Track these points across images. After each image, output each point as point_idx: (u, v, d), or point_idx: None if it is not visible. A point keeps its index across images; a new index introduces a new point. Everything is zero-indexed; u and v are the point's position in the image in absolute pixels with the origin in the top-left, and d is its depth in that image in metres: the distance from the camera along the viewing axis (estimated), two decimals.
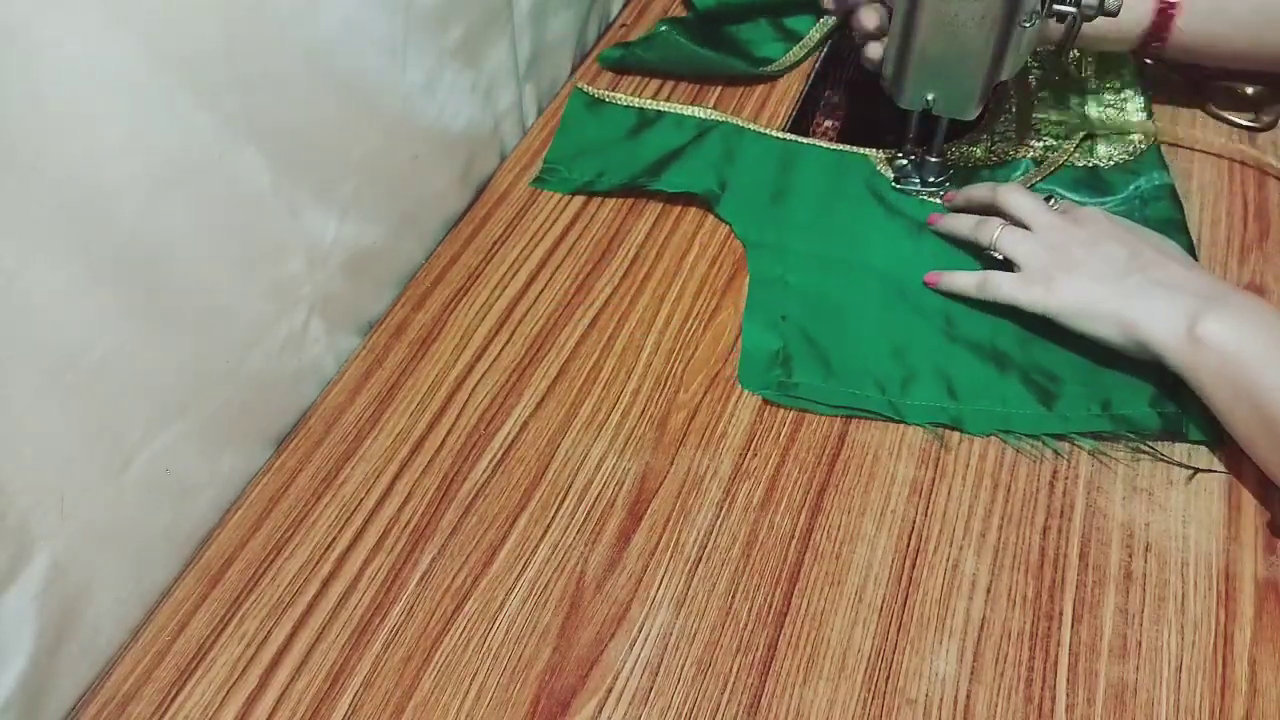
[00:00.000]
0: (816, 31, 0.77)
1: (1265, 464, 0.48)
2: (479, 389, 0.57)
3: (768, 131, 0.70)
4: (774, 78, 0.76)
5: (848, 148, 0.69)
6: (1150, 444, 0.52)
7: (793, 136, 0.70)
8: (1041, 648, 0.46)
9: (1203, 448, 0.52)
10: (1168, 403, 0.53)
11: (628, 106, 0.72)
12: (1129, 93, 0.71)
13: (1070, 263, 0.54)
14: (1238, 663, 0.45)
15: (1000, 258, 0.58)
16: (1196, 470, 0.51)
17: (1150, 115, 0.69)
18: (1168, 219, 0.62)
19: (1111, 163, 0.66)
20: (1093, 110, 0.70)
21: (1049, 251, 0.55)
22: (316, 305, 0.55)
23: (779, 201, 0.66)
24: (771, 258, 0.63)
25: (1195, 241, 0.62)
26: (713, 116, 0.71)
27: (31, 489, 0.40)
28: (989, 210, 0.61)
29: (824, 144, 0.70)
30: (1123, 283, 0.52)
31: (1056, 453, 0.52)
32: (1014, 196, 0.59)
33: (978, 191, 0.62)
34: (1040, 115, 0.69)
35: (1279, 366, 0.47)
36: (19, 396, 0.39)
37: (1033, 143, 0.68)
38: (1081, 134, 0.67)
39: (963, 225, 0.61)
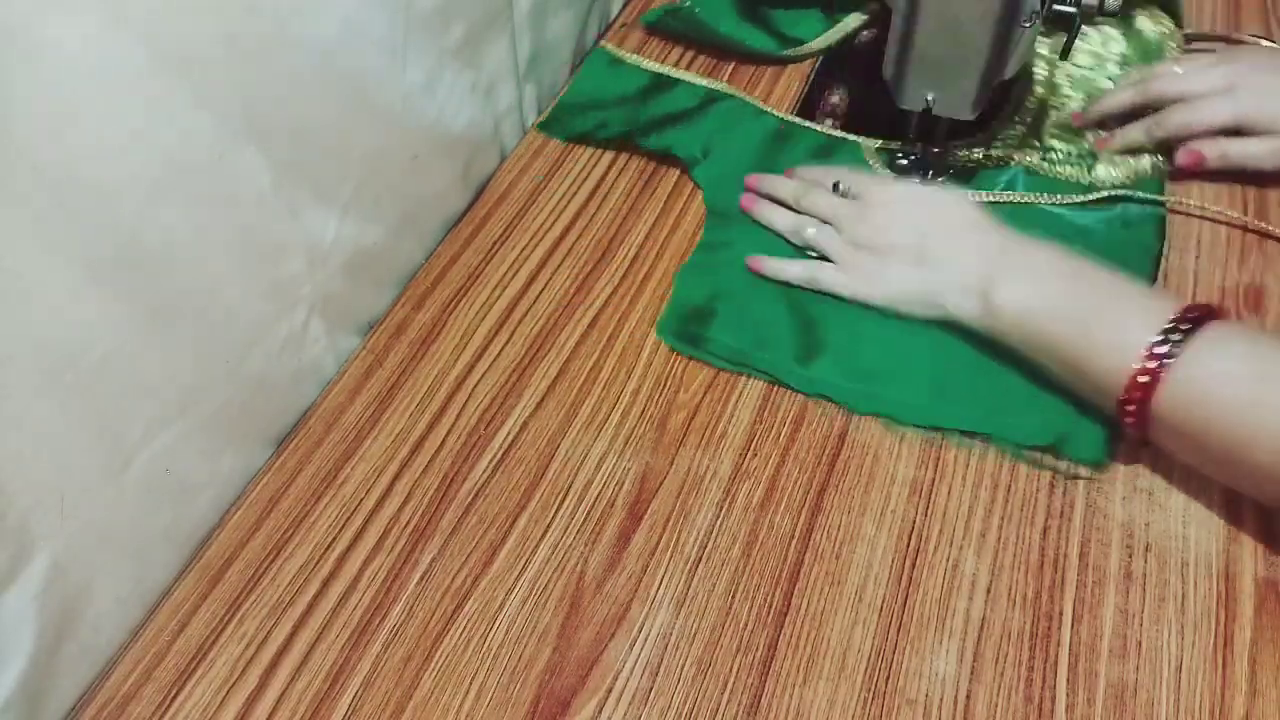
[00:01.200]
0: (854, 20, 0.77)
1: (1091, 400, 0.50)
2: (479, 389, 0.57)
3: (770, 110, 0.71)
4: (796, 60, 0.76)
5: (842, 134, 0.69)
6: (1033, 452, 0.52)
7: (795, 119, 0.70)
8: (1041, 648, 0.46)
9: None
10: (1061, 420, 0.52)
11: (645, 69, 0.74)
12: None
13: (871, 254, 0.57)
14: (1238, 663, 0.45)
15: (816, 255, 0.60)
16: (1062, 475, 0.52)
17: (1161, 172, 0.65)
18: (1143, 246, 0.60)
19: (1108, 190, 0.63)
20: (1101, 169, 0.66)
21: (853, 248, 0.58)
22: (316, 305, 0.55)
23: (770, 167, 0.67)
24: (727, 226, 0.64)
25: (1196, 242, 0.62)
26: (723, 89, 0.72)
27: (31, 489, 0.41)
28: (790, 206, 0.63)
29: (821, 128, 0.70)
30: (919, 266, 0.55)
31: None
32: (812, 198, 0.61)
33: (782, 187, 0.64)
34: (1054, 135, 0.68)
35: (1065, 316, 0.49)
36: (19, 396, 0.39)
37: (1030, 155, 0.66)
38: (1082, 158, 0.66)
39: (780, 222, 0.62)
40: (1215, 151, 0.62)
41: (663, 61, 0.76)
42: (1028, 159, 0.66)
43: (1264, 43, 0.73)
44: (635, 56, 0.75)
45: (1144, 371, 0.46)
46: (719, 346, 0.57)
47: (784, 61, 0.76)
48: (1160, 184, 0.64)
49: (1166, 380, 0.45)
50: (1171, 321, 0.46)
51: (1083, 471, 0.52)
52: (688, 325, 0.59)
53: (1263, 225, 0.62)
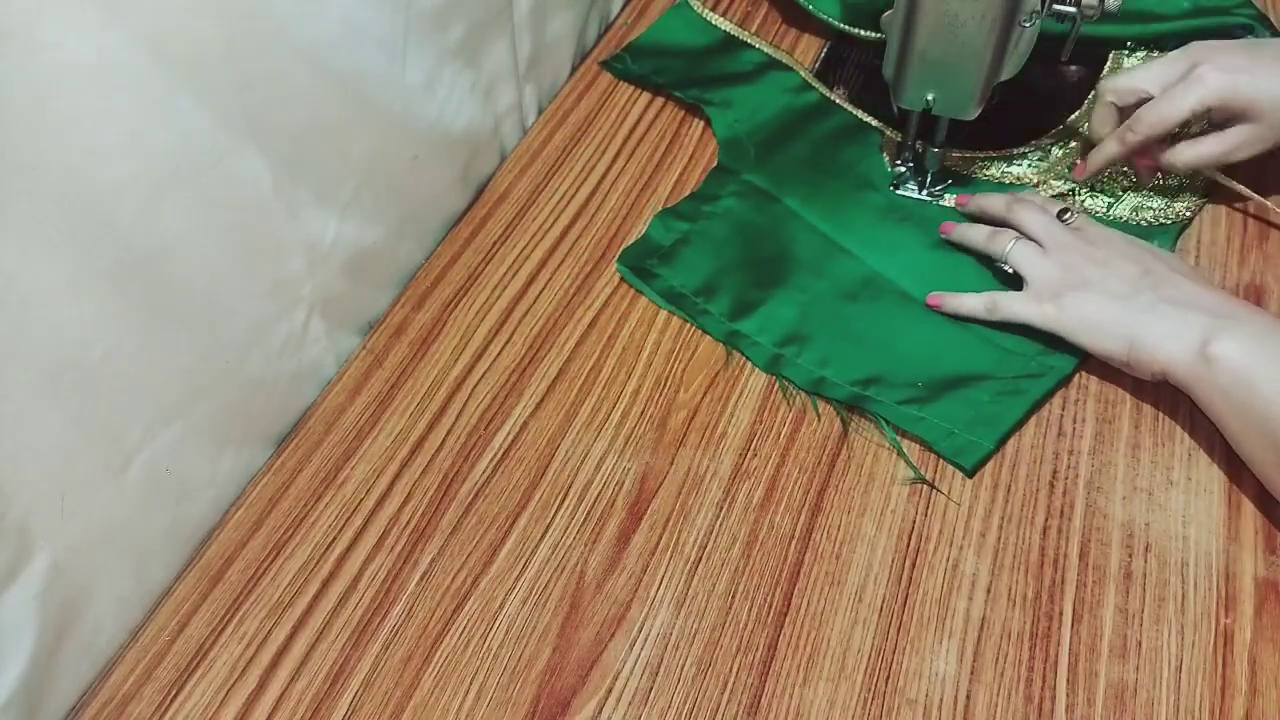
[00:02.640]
0: None
1: (1273, 485, 0.48)
2: (479, 389, 0.57)
3: (818, 87, 0.72)
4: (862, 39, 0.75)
5: (869, 119, 0.70)
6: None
7: (839, 99, 0.71)
8: (1041, 648, 0.46)
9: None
10: (979, 430, 0.53)
11: (718, 28, 0.76)
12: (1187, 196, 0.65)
13: (1082, 281, 0.54)
14: (1238, 663, 0.45)
15: (1010, 271, 0.57)
16: (923, 480, 0.52)
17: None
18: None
19: (1140, 220, 0.62)
20: (1127, 204, 0.64)
21: (1061, 269, 0.55)
22: (316, 305, 0.55)
23: (774, 146, 0.68)
24: (724, 184, 0.66)
25: (1196, 242, 0.62)
26: (783, 58, 0.74)
27: (31, 489, 0.40)
28: (998, 221, 0.60)
29: (853, 109, 0.71)
30: (1134, 301, 0.52)
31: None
32: (1029, 213, 0.58)
33: (992, 202, 0.61)
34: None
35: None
36: (19, 396, 0.39)
37: (1054, 182, 0.65)
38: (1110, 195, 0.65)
39: (976, 236, 0.60)
40: (1166, 160, 0.61)
41: (741, 24, 0.77)
42: (1048, 191, 0.64)
43: None
44: (712, 14, 0.77)
45: None
46: (661, 285, 0.61)
47: (844, 35, 0.75)
48: (1175, 235, 0.61)
49: None
50: None
51: (1083, 472, 0.51)
52: (644, 260, 0.62)
53: (1260, 199, 0.62)
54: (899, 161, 0.66)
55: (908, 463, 0.53)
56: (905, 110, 0.62)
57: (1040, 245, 0.57)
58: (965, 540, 0.49)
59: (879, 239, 0.63)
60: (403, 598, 0.48)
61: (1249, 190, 0.62)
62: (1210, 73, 0.57)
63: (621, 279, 0.62)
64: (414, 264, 0.64)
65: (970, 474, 0.52)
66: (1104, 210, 0.63)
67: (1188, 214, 0.62)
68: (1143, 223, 0.62)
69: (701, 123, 0.72)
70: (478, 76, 0.65)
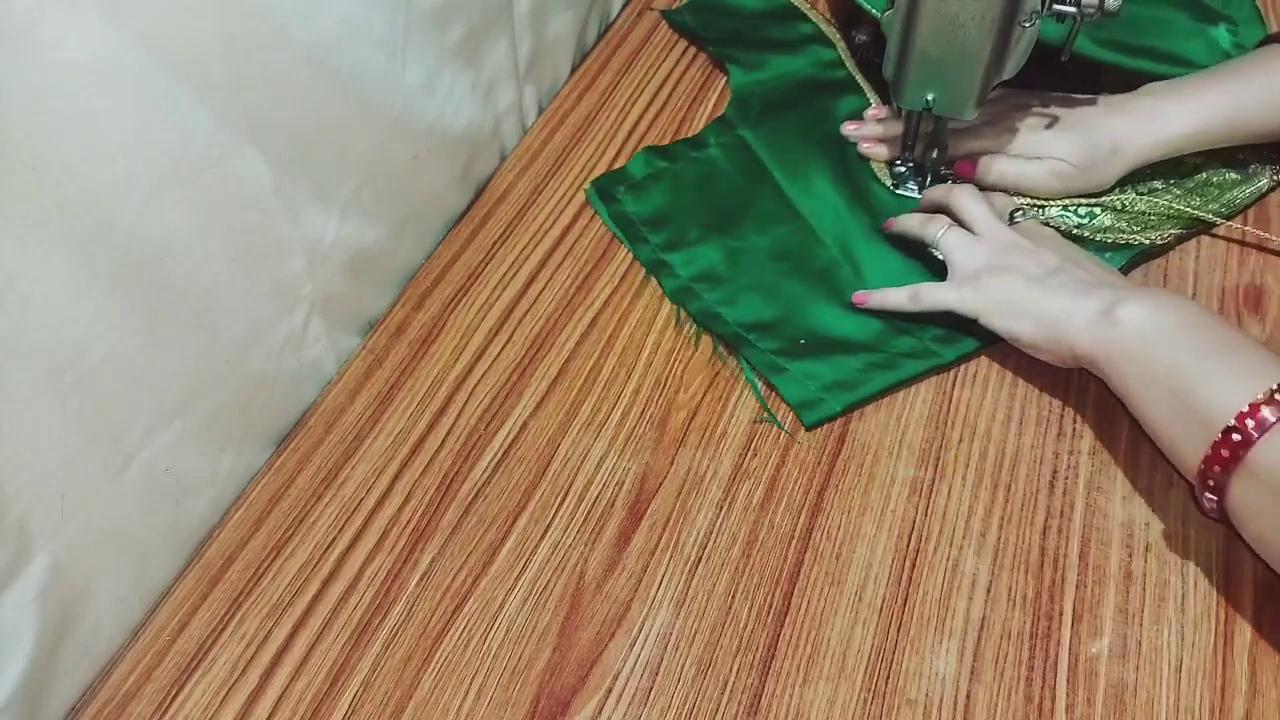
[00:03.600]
0: None
1: (1176, 443, 0.47)
2: (479, 389, 0.57)
3: (849, 68, 0.73)
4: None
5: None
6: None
7: (863, 82, 0.72)
8: (1041, 648, 0.46)
9: None
10: (834, 391, 0.55)
11: None
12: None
13: (1002, 265, 0.54)
14: (1238, 663, 0.45)
15: (939, 256, 0.58)
16: (774, 421, 0.54)
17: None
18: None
19: (1107, 238, 0.61)
20: (1099, 223, 0.62)
21: (986, 254, 0.55)
22: (316, 305, 0.55)
23: (780, 110, 0.70)
24: (721, 132, 0.69)
25: (1196, 242, 0.61)
26: (828, 32, 0.76)
27: (31, 489, 0.40)
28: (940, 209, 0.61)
29: (871, 93, 0.72)
30: (1046, 283, 0.52)
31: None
32: (964, 199, 0.58)
33: (934, 191, 0.62)
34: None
35: (1192, 340, 0.47)
36: (19, 396, 0.39)
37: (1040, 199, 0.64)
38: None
39: (911, 222, 0.60)
40: (994, 170, 0.61)
41: None
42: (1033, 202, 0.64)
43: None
44: None
45: (1253, 414, 0.42)
46: (617, 208, 0.64)
47: None
48: (1130, 257, 0.60)
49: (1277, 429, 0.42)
50: None
51: (1083, 472, 0.51)
52: (613, 186, 0.65)
53: (1259, 233, 0.62)
54: (899, 161, 0.66)
55: (762, 404, 0.55)
56: (905, 110, 0.62)
57: (973, 232, 0.57)
58: (965, 540, 0.49)
59: (846, 221, 0.64)
60: (403, 598, 0.48)
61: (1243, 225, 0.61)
62: (1003, 129, 0.61)
63: (620, 279, 0.62)
64: (414, 264, 0.64)
65: (808, 428, 0.54)
66: (1071, 228, 0.61)
67: (1158, 242, 0.60)
68: (1108, 239, 0.61)
69: (701, 123, 0.72)
70: (478, 76, 0.65)
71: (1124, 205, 0.62)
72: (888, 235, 0.62)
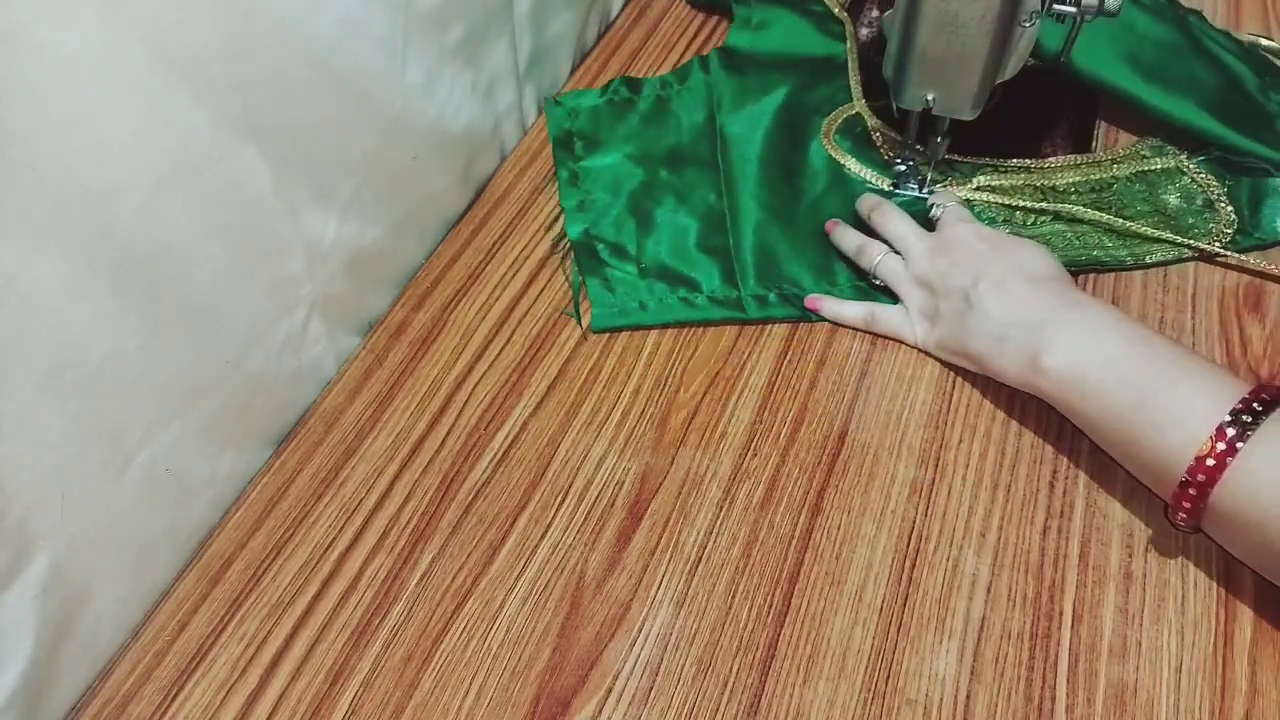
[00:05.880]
0: None
1: (1142, 479, 0.48)
2: (479, 389, 0.57)
3: (849, 46, 0.75)
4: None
5: (862, 104, 0.72)
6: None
7: (852, 72, 0.74)
8: (1041, 648, 0.46)
9: None
10: (622, 317, 0.60)
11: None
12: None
13: (931, 308, 0.56)
14: (1238, 663, 0.45)
15: (879, 283, 0.59)
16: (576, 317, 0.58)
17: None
18: None
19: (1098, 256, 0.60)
20: (1171, 199, 0.62)
21: (919, 289, 0.56)
22: (316, 305, 0.55)
23: (763, 73, 0.73)
24: (694, 74, 0.73)
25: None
26: (837, 13, 0.77)
27: (31, 489, 0.40)
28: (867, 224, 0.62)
29: (856, 83, 0.73)
30: (964, 324, 0.53)
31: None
32: (888, 221, 0.59)
33: (861, 203, 0.63)
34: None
35: (1121, 387, 0.46)
36: (19, 396, 0.39)
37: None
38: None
39: (848, 244, 0.61)
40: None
41: None
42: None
43: (1263, 41, 0.73)
44: None
45: (1211, 454, 0.42)
46: (560, 114, 0.71)
47: None
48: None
49: (1234, 466, 0.42)
50: (1243, 402, 0.43)
51: (1083, 472, 0.51)
52: (574, 100, 0.72)
53: (1265, 265, 0.61)
54: (898, 160, 0.66)
55: (576, 306, 0.60)
56: (905, 110, 0.62)
57: (903, 256, 0.58)
58: (965, 540, 0.49)
59: (761, 193, 0.66)
60: (403, 598, 0.48)
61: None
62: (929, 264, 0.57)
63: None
64: (414, 264, 0.64)
65: (586, 331, 0.59)
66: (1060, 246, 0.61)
67: (1128, 260, 0.60)
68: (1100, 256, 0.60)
69: None
70: (478, 76, 0.65)
71: (1075, 216, 0.62)
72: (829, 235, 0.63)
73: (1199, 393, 0.44)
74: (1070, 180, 0.65)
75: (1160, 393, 0.45)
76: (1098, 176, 0.65)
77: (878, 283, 0.59)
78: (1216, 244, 0.60)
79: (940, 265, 0.55)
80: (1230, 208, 0.62)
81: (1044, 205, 0.63)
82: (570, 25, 0.75)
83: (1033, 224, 0.63)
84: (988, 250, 0.54)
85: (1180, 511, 0.45)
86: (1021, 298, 0.51)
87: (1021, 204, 0.63)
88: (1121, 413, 0.46)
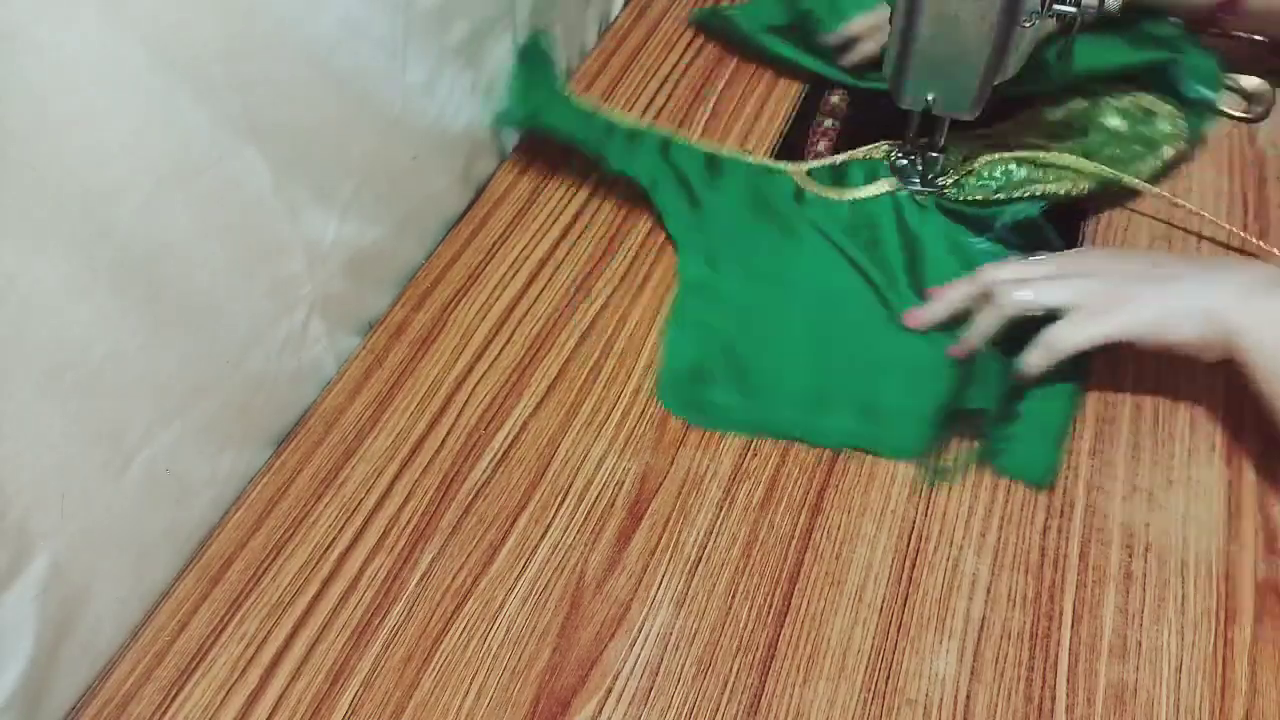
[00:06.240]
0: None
1: None
2: (479, 389, 0.57)
3: (691, 142, 0.68)
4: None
5: (770, 162, 0.68)
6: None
7: (715, 147, 0.68)
8: (1041, 648, 0.46)
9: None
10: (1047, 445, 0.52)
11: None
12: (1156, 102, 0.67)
13: (1115, 282, 0.51)
14: (1238, 663, 0.45)
15: (1041, 313, 0.52)
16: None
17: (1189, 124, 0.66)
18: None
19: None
20: (1112, 120, 0.66)
21: (1087, 281, 0.52)
22: (316, 305, 0.55)
23: (703, 205, 0.64)
24: (702, 261, 0.62)
25: (1196, 242, 0.62)
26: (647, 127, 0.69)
27: (31, 489, 0.40)
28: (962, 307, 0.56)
29: (748, 157, 0.68)
30: (1180, 282, 0.50)
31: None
32: (999, 271, 0.54)
33: (955, 291, 0.56)
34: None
35: None
36: (19, 396, 0.39)
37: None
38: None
39: (979, 326, 0.54)
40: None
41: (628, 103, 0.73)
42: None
43: (1259, 36, 0.73)
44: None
45: None
46: (722, 412, 0.55)
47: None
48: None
49: None
50: None
51: (1083, 472, 0.51)
52: (689, 388, 0.56)
53: (1255, 240, 0.62)
54: (901, 155, 0.66)
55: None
56: (905, 110, 0.62)
57: (1037, 280, 0.53)
58: (965, 540, 0.49)
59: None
60: (403, 598, 0.48)
61: (1195, 206, 0.63)
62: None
63: (620, 279, 0.62)
64: (414, 264, 0.64)
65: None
66: (992, 193, 0.62)
67: (1074, 193, 0.62)
68: (1026, 192, 0.62)
69: (700, 124, 0.72)
70: (478, 76, 0.65)
71: (1040, 160, 0.63)
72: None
73: None
74: (1038, 139, 0.66)
75: None
76: (1056, 120, 0.67)
77: (1038, 313, 0.52)
78: (1181, 141, 0.65)
79: (1094, 262, 0.53)
80: (1168, 106, 0.67)
81: (1036, 156, 0.63)
82: (571, 25, 0.75)
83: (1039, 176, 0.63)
84: (1111, 250, 0.56)
85: None
86: (1206, 266, 0.53)
87: (1019, 156, 0.64)
88: None
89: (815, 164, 0.68)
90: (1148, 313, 0.50)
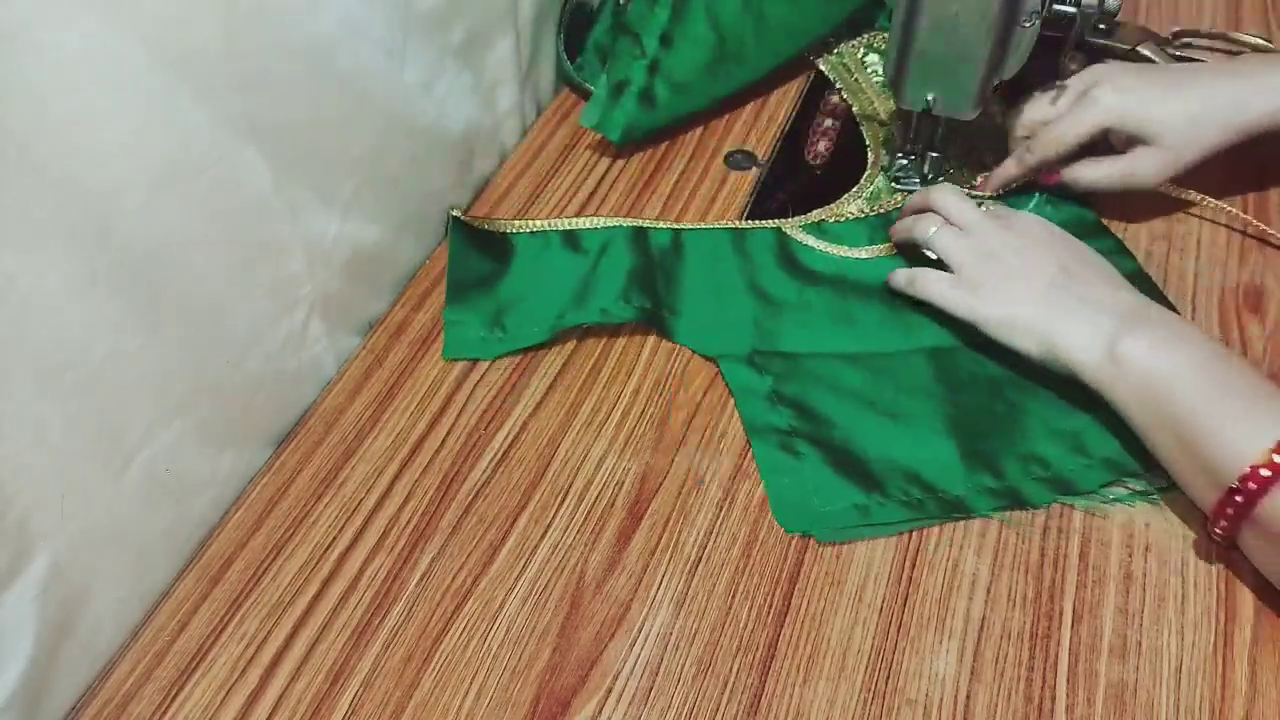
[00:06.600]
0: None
1: (1186, 485, 0.48)
2: (479, 389, 0.57)
3: (660, 224, 0.64)
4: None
5: (750, 224, 0.64)
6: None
7: (686, 225, 0.64)
8: (1041, 648, 0.46)
9: None
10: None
11: (517, 233, 0.63)
12: None
13: (999, 271, 0.54)
14: (1238, 663, 0.45)
15: (934, 256, 0.58)
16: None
17: None
18: (1078, 219, 0.62)
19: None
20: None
21: (980, 257, 0.55)
22: (316, 305, 0.55)
23: (713, 299, 0.60)
24: (745, 369, 0.56)
25: (1197, 241, 0.62)
26: (607, 224, 0.63)
27: (31, 489, 0.40)
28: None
29: (718, 225, 0.64)
30: (1047, 298, 0.52)
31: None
32: (944, 197, 0.58)
33: (913, 199, 0.62)
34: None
35: (1195, 387, 0.46)
36: (19, 396, 0.39)
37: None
38: None
39: (902, 226, 0.61)
40: (1068, 177, 0.62)
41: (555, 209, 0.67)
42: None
43: (1260, 42, 0.73)
44: (497, 221, 0.64)
45: (1267, 465, 0.42)
46: (851, 517, 0.50)
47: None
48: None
49: None
50: None
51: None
52: (806, 506, 0.51)
53: (1262, 226, 0.62)
54: (900, 155, 0.66)
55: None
56: (906, 110, 0.62)
57: (959, 229, 0.57)
58: (965, 540, 0.49)
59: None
60: (403, 598, 0.48)
61: (1197, 194, 0.62)
62: (1104, 95, 0.59)
63: None
64: (414, 264, 0.64)
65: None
66: None
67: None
68: None
69: (700, 125, 0.72)
70: (478, 76, 0.65)
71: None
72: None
73: (1269, 411, 0.45)
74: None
75: (1229, 402, 0.46)
76: None
77: (931, 255, 0.57)
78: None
79: (1013, 241, 0.55)
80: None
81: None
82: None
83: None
84: (1060, 239, 0.55)
85: (1222, 519, 0.45)
86: (1108, 292, 0.52)
87: None
88: (1186, 415, 0.46)
89: (805, 220, 0.64)
90: (993, 312, 0.54)
